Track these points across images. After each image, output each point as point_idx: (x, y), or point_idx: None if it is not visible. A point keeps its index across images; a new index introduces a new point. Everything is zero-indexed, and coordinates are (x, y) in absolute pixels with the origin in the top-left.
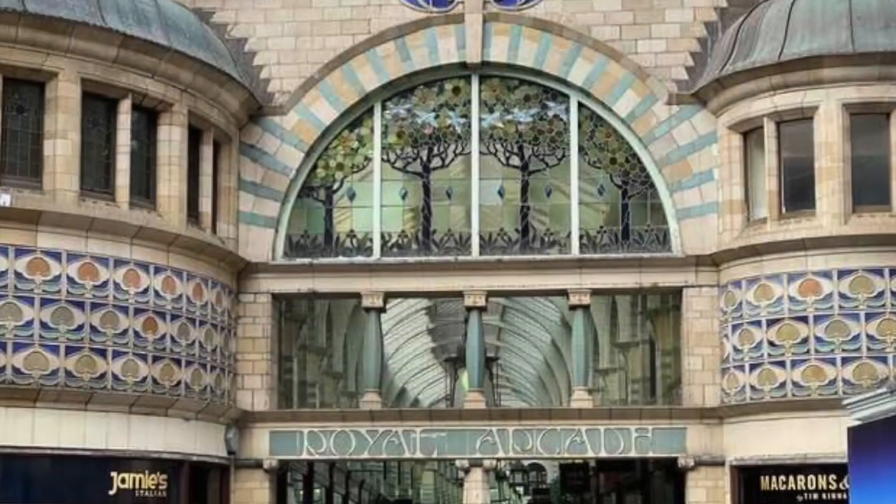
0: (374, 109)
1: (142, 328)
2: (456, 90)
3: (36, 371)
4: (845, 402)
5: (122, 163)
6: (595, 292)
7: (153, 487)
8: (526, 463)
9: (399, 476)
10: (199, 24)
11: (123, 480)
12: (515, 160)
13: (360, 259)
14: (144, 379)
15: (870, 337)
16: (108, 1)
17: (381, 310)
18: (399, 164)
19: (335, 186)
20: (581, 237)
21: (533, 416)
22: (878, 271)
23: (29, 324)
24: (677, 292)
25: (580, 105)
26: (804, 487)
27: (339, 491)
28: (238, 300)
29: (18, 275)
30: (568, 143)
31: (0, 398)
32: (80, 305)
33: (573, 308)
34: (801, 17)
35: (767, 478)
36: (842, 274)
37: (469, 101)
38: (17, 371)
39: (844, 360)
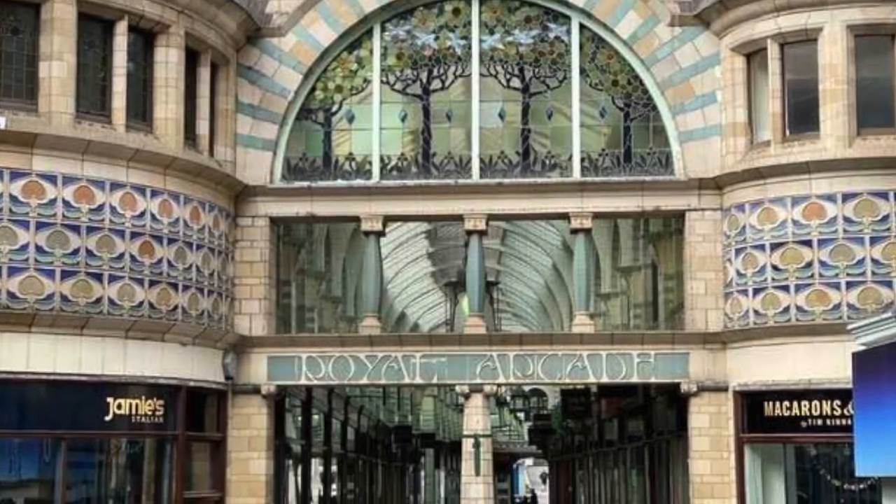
0: (373, 31)
1: (138, 252)
2: (456, 11)
3: (31, 295)
4: (850, 326)
5: (119, 85)
6: (597, 216)
7: (150, 413)
8: (527, 388)
9: (399, 402)
10: None
11: (120, 406)
12: (516, 82)
13: (359, 182)
14: (141, 303)
15: (874, 261)
16: None
17: (381, 233)
18: (398, 86)
19: (334, 109)
20: (582, 160)
21: (534, 341)
22: (883, 195)
23: (24, 248)
24: (680, 216)
25: (581, 26)
26: (808, 413)
27: (338, 417)
28: (236, 224)
29: (13, 198)
30: (569, 65)
31: None
32: (75, 229)
33: (574, 232)
34: None
35: (771, 403)
36: (846, 197)
37: (469, 23)
38: (12, 295)
39: (849, 285)
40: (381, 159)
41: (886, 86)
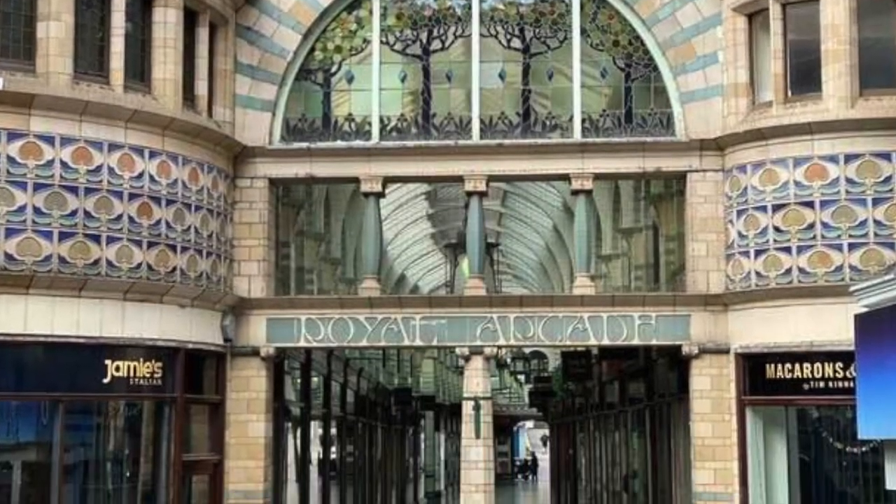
0: None
1: (136, 213)
2: None
3: (29, 257)
4: (852, 288)
5: (117, 45)
6: (597, 177)
7: (148, 375)
8: (527, 351)
9: (398, 364)
10: None
11: (118, 368)
12: (516, 43)
13: (358, 143)
14: (139, 265)
15: (877, 222)
16: None
17: (380, 195)
18: (398, 46)
19: (333, 69)
20: (583, 121)
21: (534, 303)
22: (886, 156)
23: (22, 209)
24: (681, 177)
25: None
26: (810, 375)
27: (338, 379)
28: (234, 185)
29: (11, 159)
30: (570, 26)
31: None
32: (73, 190)
33: (575, 193)
34: None
35: (773, 366)
36: (848, 158)
37: None
38: (9, 257)
39: (851, 246)
40: (381, 120)
41: (889, 46)
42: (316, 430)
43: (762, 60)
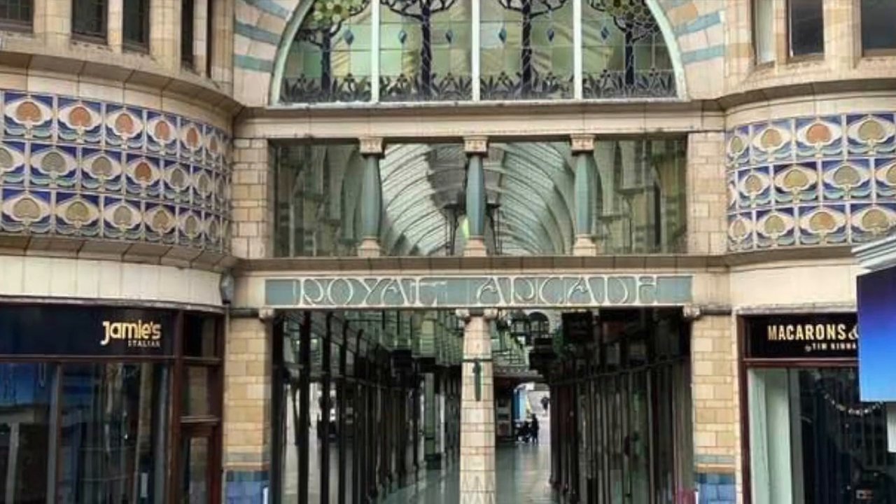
0: None
1: (134, 174)
2: None
3: (26, 218)
4: (854, 249)
5: (115, 5)
6: (598, 137)
7: (146, 337)
8: (527, 312)
9: (398, 326)
10: None
11: (116, 330)
12: (517, 2)
13: (357, 104)
14: (137, 226)
15: (879, 183)
16: None
17: (380, 155)
18: (398, 6)
19: (332, 29)
20: (584, 81)
21: (535, 265)
22: (888, 116)
23: (19, 170)
24: (682, 137)
25: None
26: (812, 337)
27: (337, 341)
28: (233, 146)
29: (8, 120)
30: None
31: None
32: (71, 151)
33: (576, 154)
34: None
35: (775, 327)
36: (851, 119)
37: None
38: (6, 218)
39: (853, 207)
40: (381, 80)
41: (891, 6)
42: (315, 392)
43: (764, 20)
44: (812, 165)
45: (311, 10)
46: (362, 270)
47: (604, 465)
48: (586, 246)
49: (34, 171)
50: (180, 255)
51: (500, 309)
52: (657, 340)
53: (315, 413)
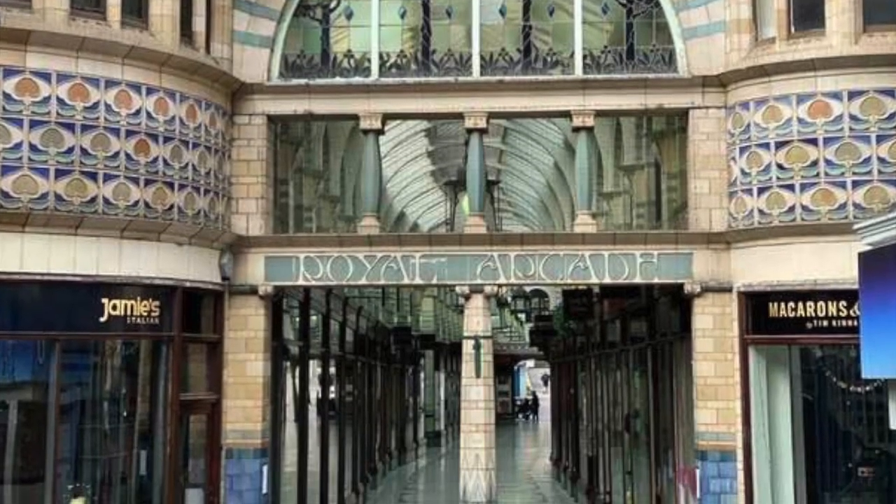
0: None
1: (133, 151)
2: None
3: (25, 195)
4: (856, 226)
5: None
6: (599, 114)
7: (145, 314)
8: (528, 289)
9: (398, 303)
10: None
11: (115, 307)
12: None
13: (357, 80)
14: (136, 203)
15: (881, 160)
16: None
17: (380, 132)
18: None
19: (332, 5)
20: (584, 57)
21: (535, 241)
22: (890, 92)
23: (18, 146)
24: (683, 114)
25: None
26: (814, 314)
27: (337, 318)
28: (232, 122)
29: (7, 96)
30: None
31: None
32: (70, 127)
33: (576, 130)
34: None
35: (776, 304)
36: (852, 95)
37: None
38: (5, 195)
39: (855, 184)
40: (380, 56)
41: None
42: (315, 369)
43: None
44: (813, 142)
45: None
46: (362, 247)
47: (604, 442)
48: (587, 222)
49: (33, 148)
50: (179, 232)
51: (500, 286)
52: (658, 317)
53: (314, 390)
